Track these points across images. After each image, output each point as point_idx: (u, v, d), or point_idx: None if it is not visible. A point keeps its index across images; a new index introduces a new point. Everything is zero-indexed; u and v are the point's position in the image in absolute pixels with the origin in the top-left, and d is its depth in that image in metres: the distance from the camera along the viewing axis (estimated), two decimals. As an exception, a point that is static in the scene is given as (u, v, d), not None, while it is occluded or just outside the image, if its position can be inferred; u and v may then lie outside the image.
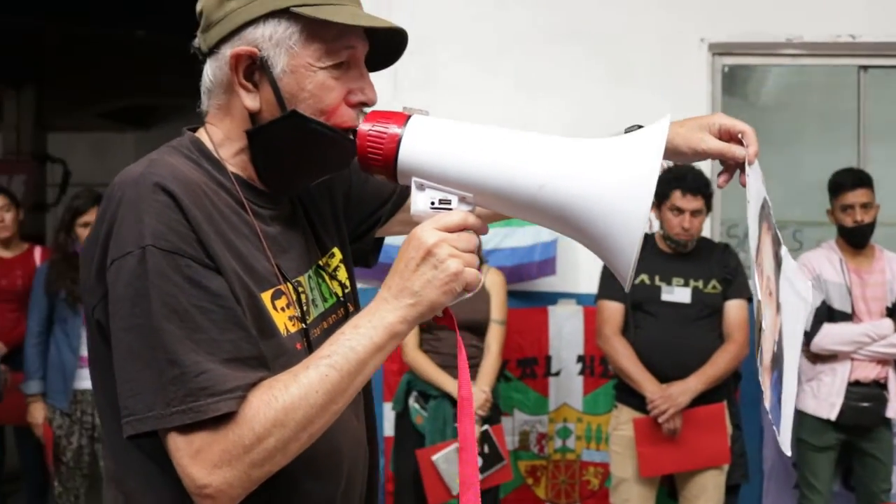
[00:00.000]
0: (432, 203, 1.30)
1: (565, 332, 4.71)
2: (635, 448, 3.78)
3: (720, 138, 1.55)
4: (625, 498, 3.86)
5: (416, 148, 1.29)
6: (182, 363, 1.18)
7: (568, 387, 4.71)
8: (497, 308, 4.06)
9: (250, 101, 1.36)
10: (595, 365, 4.67)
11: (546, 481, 4.77)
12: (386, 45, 1.44)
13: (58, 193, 11.75)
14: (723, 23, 4.72)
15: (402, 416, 4.09)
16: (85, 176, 9.65)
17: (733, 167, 1.54)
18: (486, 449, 3.92)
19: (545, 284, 4.70)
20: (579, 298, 4.68)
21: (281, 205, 1.47)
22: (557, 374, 4.73)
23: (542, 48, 4.78)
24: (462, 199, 1.29)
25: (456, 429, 3.85)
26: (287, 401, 1.20)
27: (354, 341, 1.24)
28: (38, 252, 5.16)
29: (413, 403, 4.02)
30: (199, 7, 1.40)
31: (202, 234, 1.24)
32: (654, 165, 1.18)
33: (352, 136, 1.34)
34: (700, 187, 3.77)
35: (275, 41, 1.33)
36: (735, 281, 3.86)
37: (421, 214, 1.30)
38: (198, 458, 1.19)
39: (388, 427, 4.58)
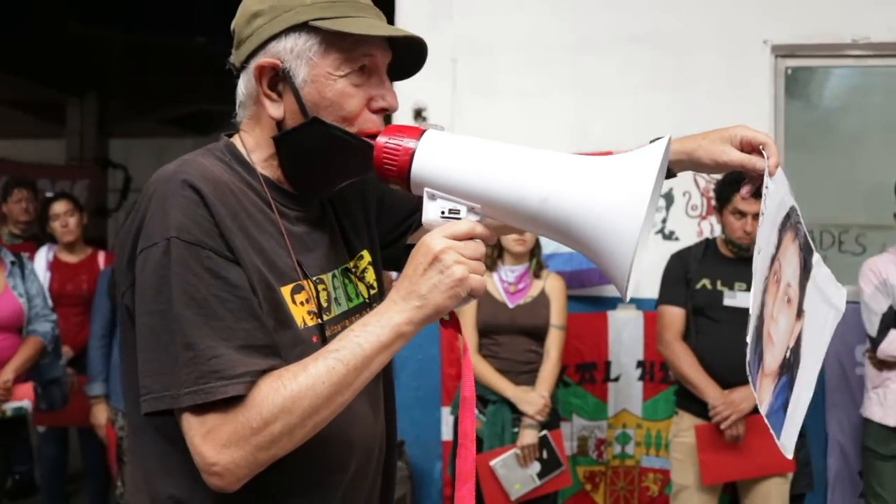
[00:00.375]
0: (442, 212, 1.37)
1: (625, 337, 4.68)
2: (697, 455, 3.73)
3: (742, 150, 1.60)
4: (686, 506, 3.82)
5: (428, 161, 1.36)
6: (196, 347, 1.27)
7: (627, 392, 4.68)
8: (556, 313, 4.04)
9: (274, 109, 1.45)
10: (655, 370, 4.62)
11: (605, 487, 4.73)
12: (410, 55, 1.51)
13: (119, 198, 11.94)
14: (786, 24, 4.65)
15: (460, 421, 4.07)
16: (145, 181, 9.79)
17: (756, 178, 1.58)
18: (544, 454, 3.91)
19: (605, 289, 4.67)
20: (639, 303, 4.64)
21: (309, 207, 1.55)
22: (617, 379, 4.69)
23: (601, 53, 4.75)
24: (471, 210, 1.37)
25: (516, 434, 3.87)
26: (295, 389, 1.28)
27: (362, 338, 1.31)
28: (101, 256, 5.25)
29: (472, 408, 4.00)
30: (232, 26, 1.50)
31: (225, 228, 1.33)
32: (647, 186, 1.24)
33: (372, 142, 1.40)
34: (759, 190, 3.71)
35: (296, 53, 1.42)
36: None
37: (432, 223, 1.38)
38: (208, 437, 1.27)
39: (447, 431, 4.58)
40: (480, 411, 3.97)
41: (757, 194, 3.63)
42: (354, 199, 1.70)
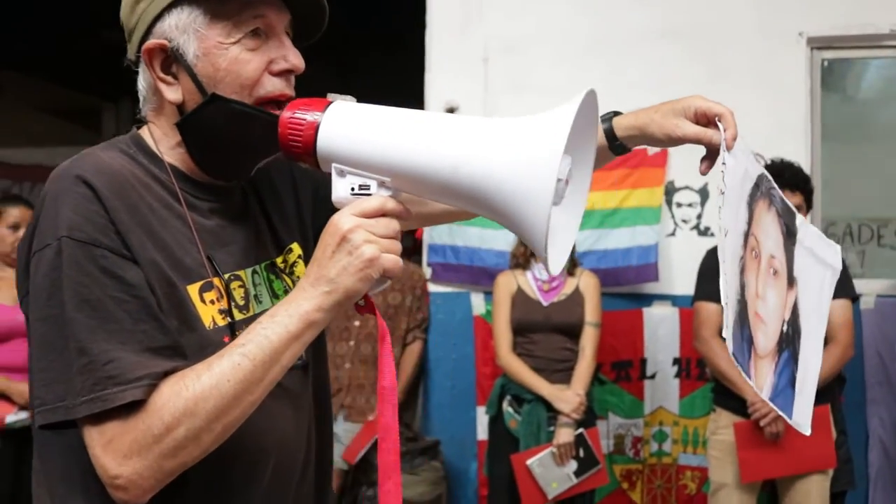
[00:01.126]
0: (352, 189, 1.29)
1: (661, 334, 4.64)
2: (736, 453, 3.69)
3: (697, 122, 1.49)
4: (725, 504, 3.78)
5: (333, 134, 1.28)
6: (91, 352, 1.19)
7: (664, 390, 4.64)
8: (591, 310, 4.02)
9: (172, 93, 1.37)
10: (691, 367, 4.58)
11: (642, 486, 4.70)
12: (312, 18, 1.43)
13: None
14: (822, 16, 4.59)
15: (496, 421, 4.08)
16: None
17: (714, 153, 1.46)
18: (581, 453, 3.88)
19: (640, 286, 4.64)
20: (675, 300, 4.60)
21: (227, 198, 1.46)
22: (653, 376, 4.66)
23: (634, 48, 4.72)
24: (381, 184, 1.28)
25: (552, 433, 3.85)
26: (198, 390, 1.19)
27: (269, 330, 1.23)
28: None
29: (507, 408, 4.00)
30: (120, 19, 1.42)
31: (121, 224, 1.25)
32: (558, 145, 1.15)
33: (277, 113, 1.32)
34: (799, 183, 3.67)
35: (181, 28, 1.34)
36: (837, 280, 3.73)
37: (342, 201, 1.29)
38: (109, 448, 1.19)
39: (482, 431, 4.57)
40: (516, 410, 3.96)
41: (794, 187, 3.64)
42: (285, 189, 1.61)
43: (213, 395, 1.19)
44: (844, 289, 3.73)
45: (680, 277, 4.50)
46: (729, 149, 1.44)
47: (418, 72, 4.98)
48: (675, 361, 4.63)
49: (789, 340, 1.53)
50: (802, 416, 1.52)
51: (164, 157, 1.40)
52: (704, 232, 4.65)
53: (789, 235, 1.57)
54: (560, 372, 3.97)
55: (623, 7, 4.78)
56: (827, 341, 3.61)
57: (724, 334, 1.37)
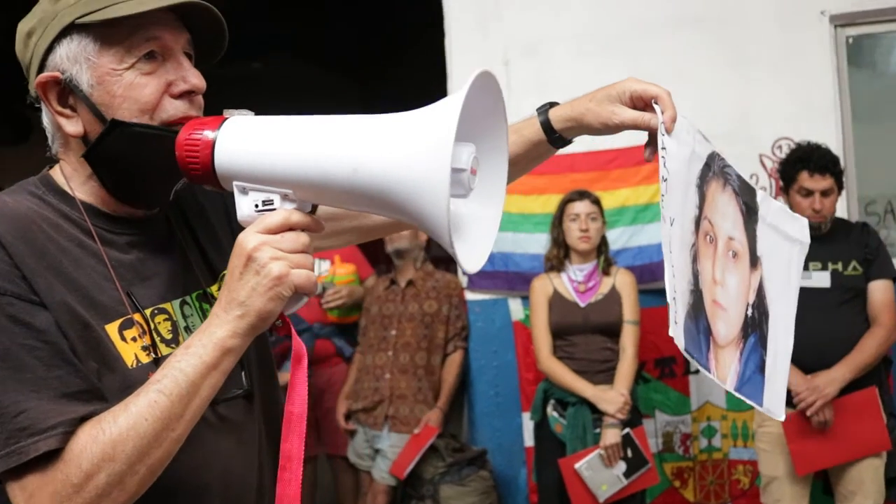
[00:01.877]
0: (256, 206, 1.24)
1: (702, 327, 4.57)
2: (786, 445, 3.63)
3: (635, 106, 1.44)
4: (776, 498, 3.71)
5: (230, 150, 1.23)
6: (1, 404, 1.15)
7: (710, 384, 4.57)
8: (629, 308, 3.98)
9: (71, 126, 1.32)
10: (736, 359, 4.51)
11: (694, 483, 4.63)
12: (212, 31, 1.38)
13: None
14: (843, -8, 4.51)
15: (541, 426, 4.05)
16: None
17: (655, 137, 1.40)
18: (629, 453, 3.84)
19: (677, 280, 4.57)
20: (714, 292, 4.53)
21: (147, 230, 1.41)
22: (697, 371, 4.59)
23: (655, 39, 4.67)
24: (284, 198, 1.24)
25: (598, 435, 3.80)
26: (115, 433, 1.15)
27: (184, 363, 1.19)
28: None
29: (551, 412, 3.96)
30: (18, 55, 1.38)
31: (27, 269, 1.20)
32: (449, 133, 1.09)
33: (177, 130, 1.28)
34: (827, 165, 3.61)
35: (72, 58, 1.30)
36: (877, 260, 3.66)
37: (247, 219, 1.25)
38: (31, 502, 1.14)
39: (529, 437, 4.54)
40: (560, 414, 3.92)
41: (823, 169, 3.60)
42: (217, 216, 1.56)
43: (131, 436, 1.15)
44: (886, 269, 3.66)
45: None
46: (668, 132, 1.38)
47: (440, 78, 4.96)
48: (719, 354, 4.56)
49: (755, 324, 1.48)
50: (774, 401, 1.46)
51: (75, 194, 1.35)
52: (739, 221, 4.58)
53: (750, 213, 1.51)
54: (602, 373, 3.92)
55: (640, -1, 4.73)
56: (871, 324, 3.57)
57: (670, 332, 1.30)
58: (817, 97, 4.50)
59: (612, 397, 3.83)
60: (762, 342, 1.48)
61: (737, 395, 1.40)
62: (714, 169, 1.47)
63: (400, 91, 4.99)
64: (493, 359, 4.80)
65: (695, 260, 1.39)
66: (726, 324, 1.42)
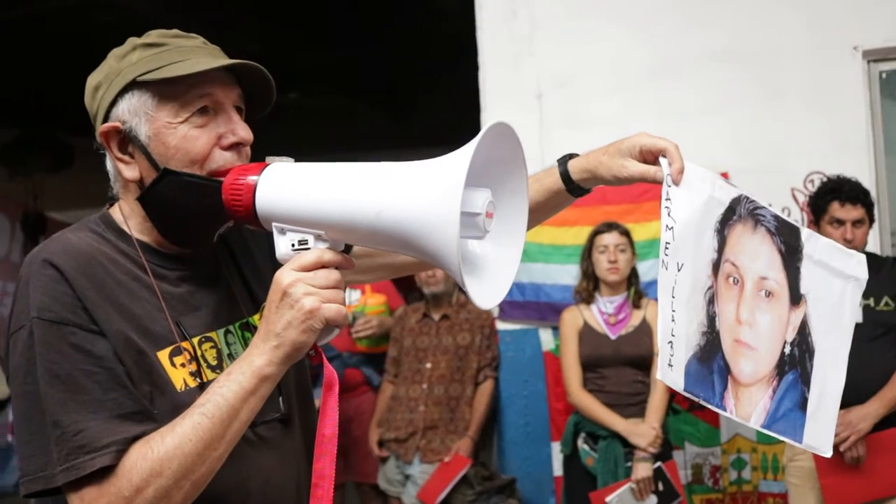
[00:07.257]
0: (293, 245, 1.35)
1: (733, 360, 4.56)
2: (817, 480, 3.61)
3: (644, 160, 1.53)
4: (807, 531, 3.69)
5: (270, 194, 1.35)
6: (62, 424, 1.27)
7: (740, 416, 4.54)
8: (660, 341, 3.97)
9: (129, 171, 1.45)
10: (767, 392, 4.49)
11: (725, 515, 4.61)
12: (261, 85, 1.50)
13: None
14: (876, 28, 4.52)
15: (571, 458, 4.05)
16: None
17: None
18: (660, 486, 3.84)
19: (708, 313, 4.57)
20: (745, 325, 4.53)
21: (196, 266, 1.53)
22: (728, 404, 4.57)
23: (688, 74, 4.70)
24: (318, 238, 1.34)
25: (629, 468, 3.80)
26: (162, 451, 1.27)
27: (226, 388, 1.30)
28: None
29: (582, 445, 3.97)
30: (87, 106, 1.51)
31: (88, 301, 1.33)
32: (457, 180, 1.20)
33: (220, 181, 1.39)
34: (858, 195, 3.62)
35: (133, 111, 1.43)
36: None
37: (284, 257, 1.36)
38: None
39: (558, 467, 4.54)
40: (591, 447, 3.93)
41: (855, 199, 3.65)
42: (262, 253, 1.66)
43: (176, 454, 1.27)
44: (919, 302, 3.65)
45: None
46: (676, 183, 1.45)
47: (474, 112, 5.01)
48: (750, 387, 4.54)
49: (795, 361, 1.51)
50: (820, 438, 1.49)
51: (132, 233, 1.48)
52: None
53: (791, 252, 1.54)
54: (633, 405, 3.93)
55: (674, 33, 4.76)
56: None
57: (658, 376, 1.36)
58: (850, 132, 4.50)
59: (643, 431, 3.84)
60: (804, 379, 1.51)
61: (765, 431, 1.44)
62: (740, 212, 1.51)
63: (435, 124, 5.04)
64: (524, 388, 4.82)
65: (711, 302, 1.44)
66: (754, 362, 1.46)
